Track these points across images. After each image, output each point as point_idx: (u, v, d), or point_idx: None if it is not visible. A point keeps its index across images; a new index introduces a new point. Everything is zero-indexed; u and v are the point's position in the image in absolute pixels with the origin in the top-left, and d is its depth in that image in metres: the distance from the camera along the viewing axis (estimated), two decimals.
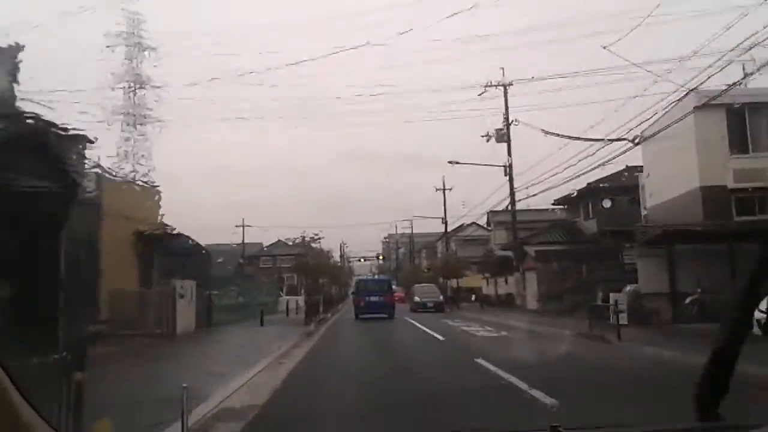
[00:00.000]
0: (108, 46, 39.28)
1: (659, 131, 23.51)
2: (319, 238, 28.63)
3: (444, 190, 48.50)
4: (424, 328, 18.78)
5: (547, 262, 30.92)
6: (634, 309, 20.38)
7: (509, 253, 41.38)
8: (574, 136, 27.83)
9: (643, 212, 28.19)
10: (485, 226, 54.67)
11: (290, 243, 28.19)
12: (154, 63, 40.05)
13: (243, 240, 69.88)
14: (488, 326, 19.34)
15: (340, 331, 20.29)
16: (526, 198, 30.65)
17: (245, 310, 27.21)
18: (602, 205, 32.94)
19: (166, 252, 20.26)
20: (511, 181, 30.78)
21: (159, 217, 20.47)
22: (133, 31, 40.55)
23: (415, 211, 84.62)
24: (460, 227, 56.22)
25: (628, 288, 22.15)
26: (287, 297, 37.52)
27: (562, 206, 38.31)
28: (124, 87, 39.67)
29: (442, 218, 49.22)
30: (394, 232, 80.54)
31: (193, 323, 19.42)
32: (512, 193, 30.80)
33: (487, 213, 48.07)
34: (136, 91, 41.07)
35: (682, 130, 21.89)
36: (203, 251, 22.63)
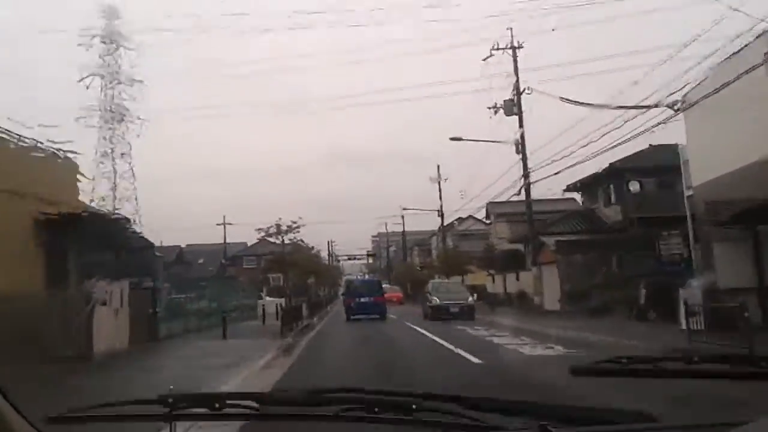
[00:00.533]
0: (88, 39, 37.20)
1: (713, 92, 18.25)
2: (298, 227, 22.96)
3: (439, 180, 43.29)
4: (442, 342, 13.36)
5: (569, 254, 25.71)
6: (710, 309, 15.16)
7: (518, 247, 36.23)
8: (599, 104, 22.72)
9: (687, 192, 22.97)
10: (483, 219, 49.54)
11: (263, 233, 22.57)
12: (133, 59, 38.39)
13: (225, 239, 64.44)
14: (526, 336, 14.01)
15: (326, 346, 14.72)
16: (540, 180, 25.24)
17: (212, 318, 21.71)
18: (629, 188, 27.75)
19: (91, 244, 14.68)
20: (524, 158, 25.50)
21: (83, 198, 14.96)
22: (110, 26, 38.68)
23: (405, 210, 77.33)
24: (456, 221, 50.99)
25: (695, 283, 16.92)
26: (270, 299, 32.11)
27: (575, 192, 33.14)
28: (101, 83, 37.96)
29: (438, 210, 43.95)
30: (384, 230, 75.14)
31: (125, 338, 13.89)
32: (526, 174, 25.52)
33: (486, 204, 42.87)
34: (114, 87, 39.13)
35: (745, 87, 16.69)
36: (149, 244, 17.07)
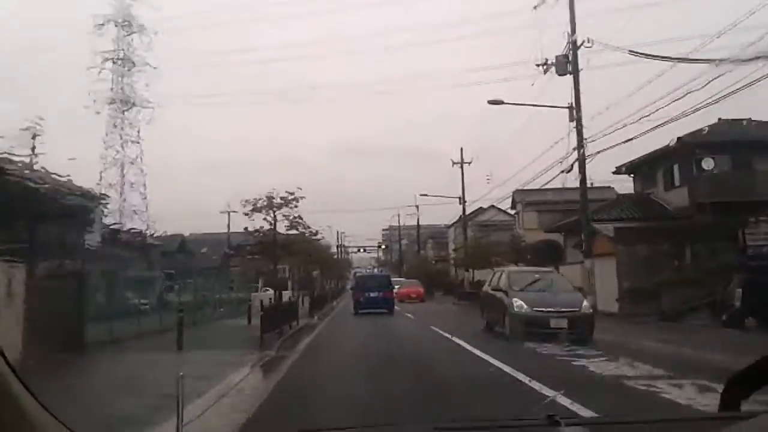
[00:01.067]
0: (101, 24, 36.44)
1: None
2: (295, 199, 17.39)
3: (462, 163, 38.04)
4: (516, 374, 7.89)
5: (632, 244, 20.36)
6: None
7: (552, 238, 31.02)
8: (680, 57, 17.43)
9: None
10: (507, 210, 44.29)
11: (250, 207, 17.06)
12: (145, 46, 37.42)
13: (228, 227, 59.90)
14: (639, 361, 8.70)
15: (320, 375, 8.99)
16: (602, 151, 19.82)
17: (193, 313, 16.77)
18: (700, 167, 22.35)
19: None
20: (578, 125, 20.23)
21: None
22: (123, 12, 37.89)
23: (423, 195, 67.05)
24: (477, 211, 45.66)
25: None
26: (269, 293, 27.08)
27: (626, 174, 27.75)
28: (112, 69, 37.10)
29: (459, 197, 38.73)
30: (395, 224, 69.88)
31: (15, 349, 8.78)
32: (580, 145, 20.22)
33: (513, 192, 37.60)
34: (124, 74, 38.25)
35: None
36: (81, 212, 11.80)
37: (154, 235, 40.91)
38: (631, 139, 17.89)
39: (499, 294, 13.53)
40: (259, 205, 16.86)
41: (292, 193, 17.16)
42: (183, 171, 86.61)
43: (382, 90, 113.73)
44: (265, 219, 17.15)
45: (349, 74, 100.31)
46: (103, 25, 37.70)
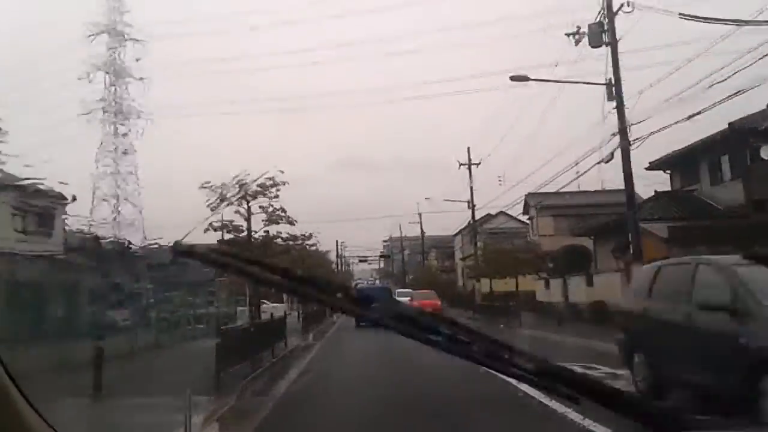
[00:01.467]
0: (90, 35, 35.46)
1: None
2: (274, 185, 13.05)
3: (470, 164, 34.48)
4: None
5: (689, 247, 16.70)
6: None
7: (577, 242, 27.39)
8: (744, 20, 13.96)
9: None
10: (518, 217, 40.73)
11: (215, 197, 12.86)
12: (137, 55, 36.42)
13: (222, 236, 56.48)
14: None
15: None
16: (658, 131, 16.22)
17: (143, 334, 13.12)
18: (762, 156, 18.79)
19: None
20: (620, 106, 16.65)
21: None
22: (115, 21, 36.78)
23: (416, 217, 55.81)
24: (485, 218, 42.01)
25: None
26: (267, 306, 23.46)
27: (662, 170, 24.16)
28: (105, 79, 36.12)
29: (468, 201, 35.13)
30: (395, 235, 66.22)
31: None
32: (622, 129, 16.62)
33: (525, 196, 34.06)
34: (117, 84, 37.28)
35: None
36: None
37: (143, 246, 37.78)
38: (694, 115, 14.29)
39: (705, 318, 5.73)
40: (229, 197, 12.92)
41: (271, 179, 13.06)
42: (183, 182, 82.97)
43: (382, 98, 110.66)
44: (237, 212, 13.32)
45: (348, 82, 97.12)
46: (94, 35, 36.02)
